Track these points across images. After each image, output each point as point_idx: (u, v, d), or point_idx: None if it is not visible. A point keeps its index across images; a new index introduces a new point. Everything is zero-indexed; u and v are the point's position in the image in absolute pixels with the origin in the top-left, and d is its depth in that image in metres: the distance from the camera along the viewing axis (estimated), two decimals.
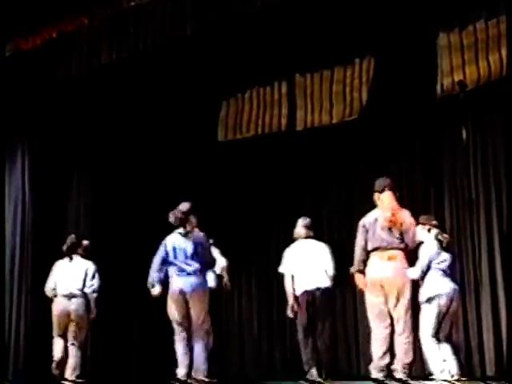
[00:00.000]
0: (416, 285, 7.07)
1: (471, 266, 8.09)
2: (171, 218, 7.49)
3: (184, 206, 7.52)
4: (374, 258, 6.90)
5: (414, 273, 7.00)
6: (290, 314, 8.09)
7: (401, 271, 6.85)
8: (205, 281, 7.57)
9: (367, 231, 6.93)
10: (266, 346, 10.23)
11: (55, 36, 9.69)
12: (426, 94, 8.75)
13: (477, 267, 8.17)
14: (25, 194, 10.29)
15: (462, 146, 8.06)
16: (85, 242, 8.90)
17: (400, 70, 8.98)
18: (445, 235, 7.24)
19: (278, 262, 9.15)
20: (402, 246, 6.86)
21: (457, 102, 8.32)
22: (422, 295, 7.08)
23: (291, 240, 8.50)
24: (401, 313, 6.80)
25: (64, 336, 8.63)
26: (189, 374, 7.39)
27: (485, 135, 8.53)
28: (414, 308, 6.98)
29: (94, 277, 8.71)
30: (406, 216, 6.93)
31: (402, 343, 6.76)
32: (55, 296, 8.70)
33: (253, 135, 10.34)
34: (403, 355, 6.74)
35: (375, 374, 6.79)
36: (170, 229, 7.65)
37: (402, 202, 7.16)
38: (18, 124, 10.43)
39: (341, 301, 9.47)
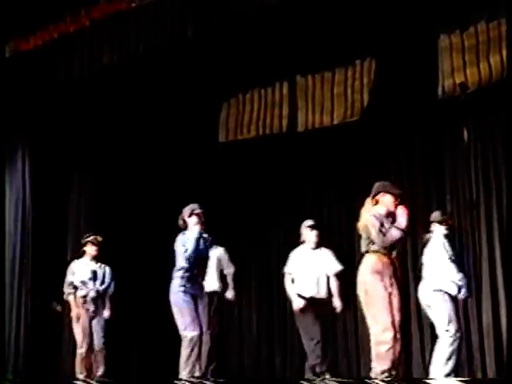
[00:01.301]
0: None
1: (471, 265, 8.08)
2: (179, 222, 7.56)
3: (185, 209, 7.55)
4: None
5: None
6: None
7: (361, 270, 6.54)
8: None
9: None
10: (266, 346, 10.22)
11: (56, 36, 9.68)
12: (427, 96, 8.75)
13: (477, 267, 8.18)
14: (25, 195, 10.29)
15: (463, 148, 8.07)
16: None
17: (401, 71, 8.97)
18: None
19: (279, 262, 9.16)
20: (373, 248, 6.52)
21: (458, 104, 8.33)
22: None
23: (291, 241, 8.52)
24: (366, 311, 6.49)
25: None
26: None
27: (486, 137, 8.54)
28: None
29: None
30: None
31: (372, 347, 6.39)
32: None
33: (254, 136, 10.33)
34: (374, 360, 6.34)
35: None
36: (170, 229, 7.67)
37: (403, 203, 7.13)
38: (19, 124, 10.43)
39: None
